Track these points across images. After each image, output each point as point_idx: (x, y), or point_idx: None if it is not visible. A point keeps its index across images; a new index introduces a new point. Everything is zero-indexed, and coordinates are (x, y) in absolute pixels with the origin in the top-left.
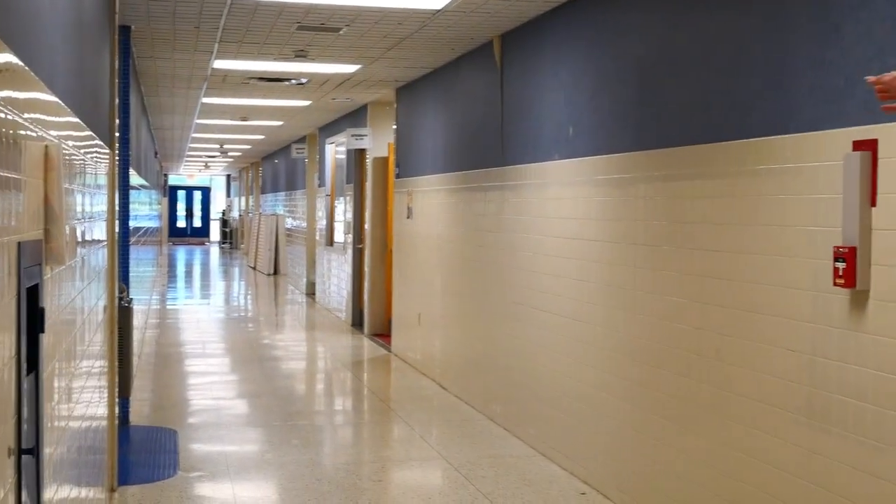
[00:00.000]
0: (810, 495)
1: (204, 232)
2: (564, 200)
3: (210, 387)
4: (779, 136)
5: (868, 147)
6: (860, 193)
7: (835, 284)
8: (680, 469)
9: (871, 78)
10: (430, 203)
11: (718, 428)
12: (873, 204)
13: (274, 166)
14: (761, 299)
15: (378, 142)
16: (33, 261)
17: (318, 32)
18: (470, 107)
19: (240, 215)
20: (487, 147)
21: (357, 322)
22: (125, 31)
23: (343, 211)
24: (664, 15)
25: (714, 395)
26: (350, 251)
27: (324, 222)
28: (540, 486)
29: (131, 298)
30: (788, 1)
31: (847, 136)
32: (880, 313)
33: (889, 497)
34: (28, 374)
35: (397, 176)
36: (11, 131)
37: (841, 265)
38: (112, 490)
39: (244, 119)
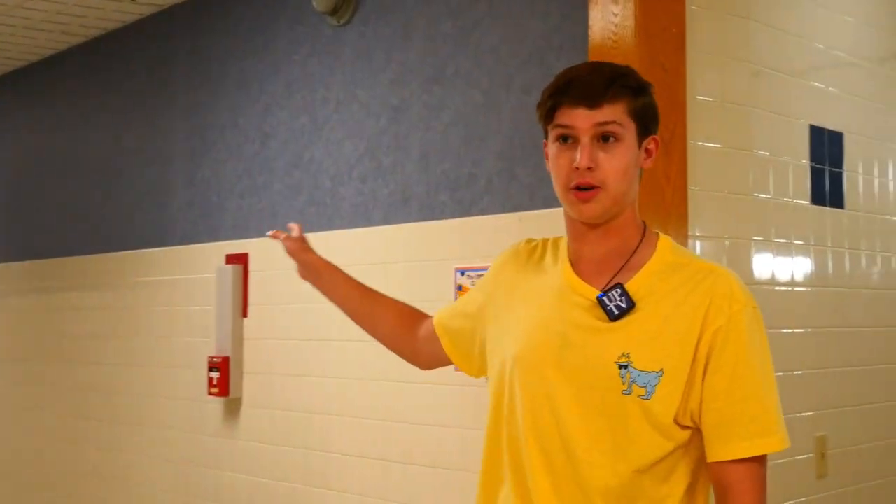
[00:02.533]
0: None
1: None
2: None
3: None
4: (157, 249)
5: (240, 261)
6: (233, 305)
7: (209, 394)
8: None
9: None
10: None
11: None
12: (244, 315)
13: None
14: (142, 412)
15: None
16: None
17: None
18: None
19: None
20: None
21: None
22: None
23: None
24: (38, 125)
25: None
26: None
27: None
28: None
29: None
30: (167, 120)
31: (220, 249)
32: (252, 420)
33: None
34: None
35: None
36: None
37: (215, 375)
38: None
39: None
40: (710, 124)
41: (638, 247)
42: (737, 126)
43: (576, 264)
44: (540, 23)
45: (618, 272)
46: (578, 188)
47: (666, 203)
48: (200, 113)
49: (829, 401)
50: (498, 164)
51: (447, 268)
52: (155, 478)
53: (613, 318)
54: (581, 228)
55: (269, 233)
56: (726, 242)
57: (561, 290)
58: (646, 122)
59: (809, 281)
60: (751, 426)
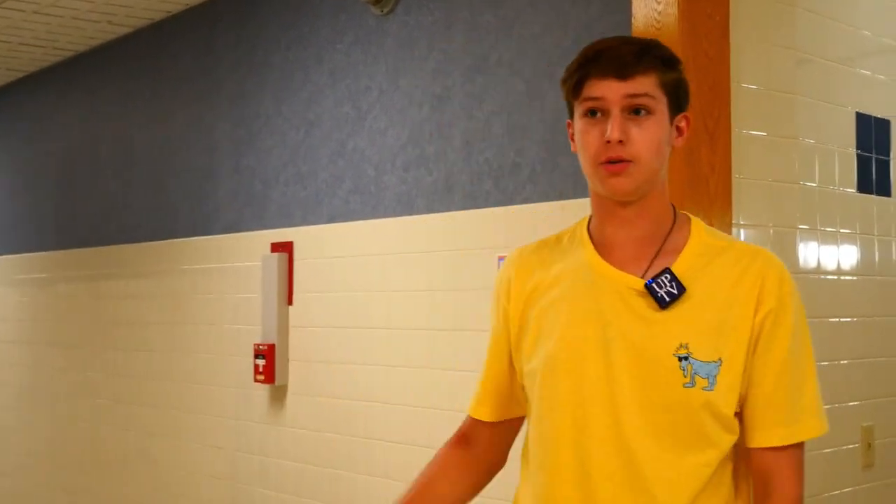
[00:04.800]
0: None
1: None
2: None
3: None
4: (202, 237)
5: (285, 249)
6: (278, 292)
7: (255, 381)
8: None
9: None
10: None
11: None
12: (290, 302)
13: None
14: (190, 398)
15: None
16: None
17: None
18: None
19: None
20: None
21: None
22: None
23: None
24: (86, 114)
25: (144, 496)
26: None
27: None
28: None
29: None
30: (212, 109)
31: (265, 237)
32: (297, 407)
33: None
34: None
35: None
36: None
37: (261, 362)
38: None
39: None
40: (755, 112)
41: (671, 230)
42: (782, 114)
43: (605, 251)
44: (582, 11)
45: (655, 257)
46: (609, 162)
47: (710, 191)
48: (245, 102)
49: (876, 390)
50: (541, 153)
51: (490, 256)
52: (202, 463)
53: (665, 305)
54: (612, 208)
55: None
56: (771, 231)
57: (594, 280)
58: (677, 97)
59: (856, 269)
60: (794, 412)
